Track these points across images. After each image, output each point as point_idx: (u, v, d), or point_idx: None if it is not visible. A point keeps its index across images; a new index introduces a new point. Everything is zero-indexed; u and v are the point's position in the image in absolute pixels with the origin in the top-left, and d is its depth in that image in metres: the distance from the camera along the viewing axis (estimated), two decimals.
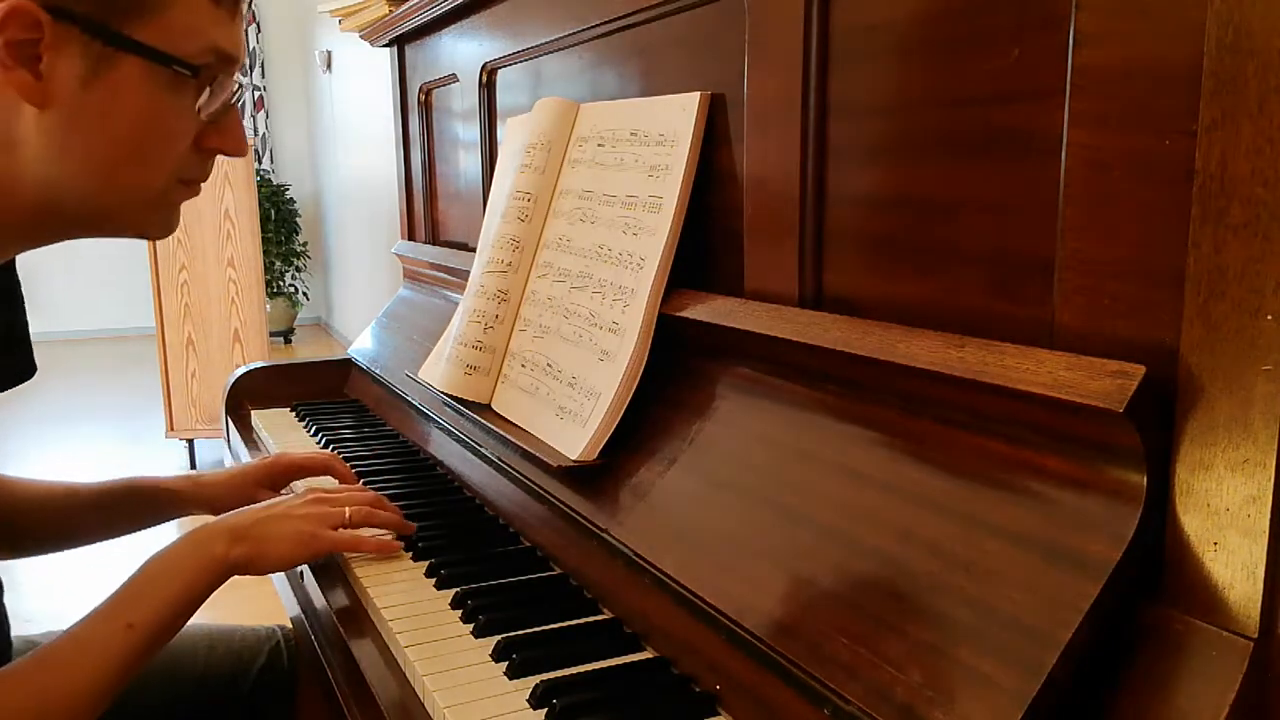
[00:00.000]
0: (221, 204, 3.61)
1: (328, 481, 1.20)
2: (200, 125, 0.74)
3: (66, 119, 0.69)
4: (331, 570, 1.01)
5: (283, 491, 1.19)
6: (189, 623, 0.85)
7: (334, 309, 7.29)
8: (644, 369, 0.93)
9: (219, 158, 0.80)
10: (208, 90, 0.73)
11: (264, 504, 0.96)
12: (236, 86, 0.77)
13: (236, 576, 0.90)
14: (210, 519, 0.92)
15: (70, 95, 0.68)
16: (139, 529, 1.14)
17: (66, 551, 1.12)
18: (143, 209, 0.75)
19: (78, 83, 0.68)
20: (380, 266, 5.43)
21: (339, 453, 1.38)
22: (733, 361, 0.87)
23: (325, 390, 1.77)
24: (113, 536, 1.12)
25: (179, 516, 1.16)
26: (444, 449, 1.33)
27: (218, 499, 1.14)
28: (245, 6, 0.77)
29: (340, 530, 0.97)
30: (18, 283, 0.90)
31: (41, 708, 0.74)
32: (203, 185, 0.79)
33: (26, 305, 0.94)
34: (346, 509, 0.98)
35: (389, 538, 1.02)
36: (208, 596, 0.87)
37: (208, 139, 0.76)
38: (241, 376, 1.74)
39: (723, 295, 0.88)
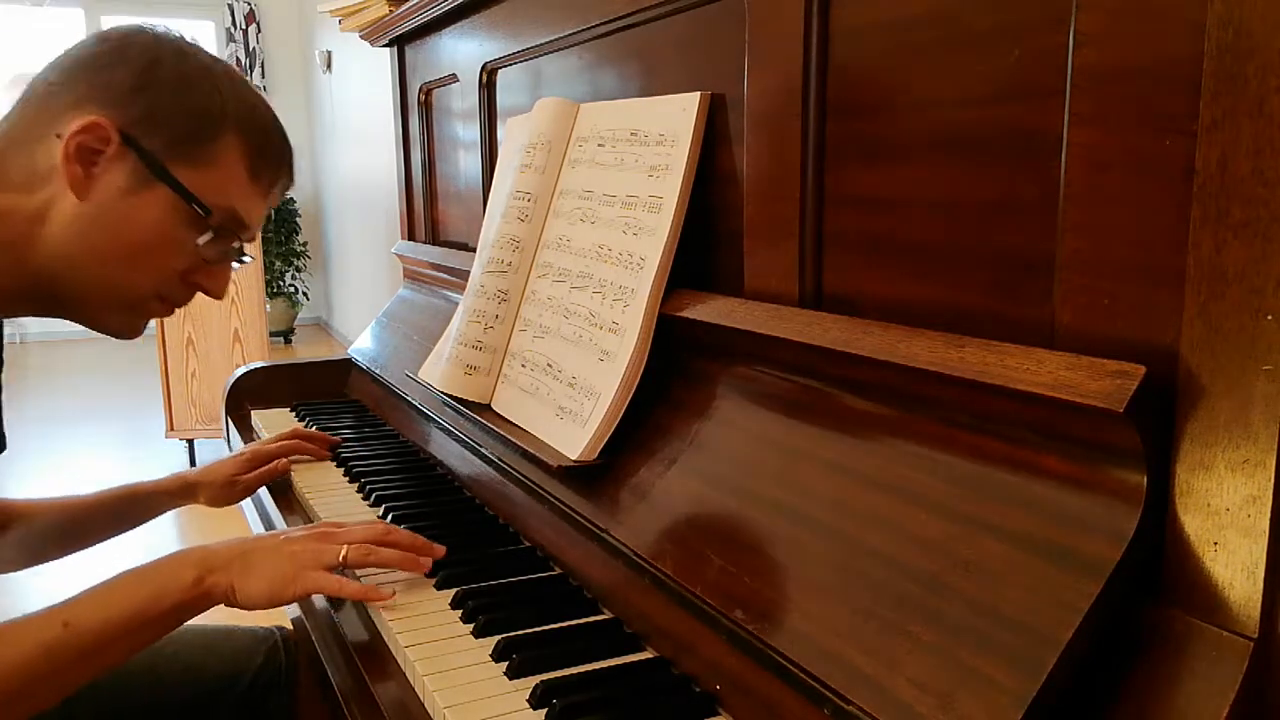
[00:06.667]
0: None
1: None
2: (196, 261, 0.88)
3: (94, 214, 0.82)
4: None
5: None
6: (186, 624, 0.84)
7: (334, 309, 7.29)
8: (644, 369, 0.93)
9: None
10: (210, 233, 0.87)
11: (261, 534, 0.95)
12: (237, 248, 0.91)
13: None
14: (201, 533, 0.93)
15: (106, 197, 0.82)
16: (120, 534, 1.22)
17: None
18: (119, 307, 0.88)
19: (116, 191, 0.83)
20: (380, 266, 5.43)
21: (339, 453, 1.38)
22: (733, 361, 0.87)
23: (325, 390, 1.77)
24: (91, 545, 1.20)
25: (166, 510, 1.25)
26: (444, 449, 1.33)
27: (198, 492, 1.26)
28: (279, 192, 0.94)
29: (327, 574, 0.89)
30: (2, 363, 0.96)
31: None
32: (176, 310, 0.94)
33: None
34: (343, 548, 0.90)
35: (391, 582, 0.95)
36: (178, 620, 0.83)
37: (196, 275, 0.90)
38: (241, 376, 1.74)
39: (723, 295, 0.88)
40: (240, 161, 0.88)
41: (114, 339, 0.92)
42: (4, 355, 0.97)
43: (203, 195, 0.86)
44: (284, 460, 1.32)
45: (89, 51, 0.84)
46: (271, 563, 0.87)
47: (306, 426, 1.55)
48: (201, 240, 0.87)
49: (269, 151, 0.91)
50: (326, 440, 1.41)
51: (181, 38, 0.89)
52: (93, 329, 0.90)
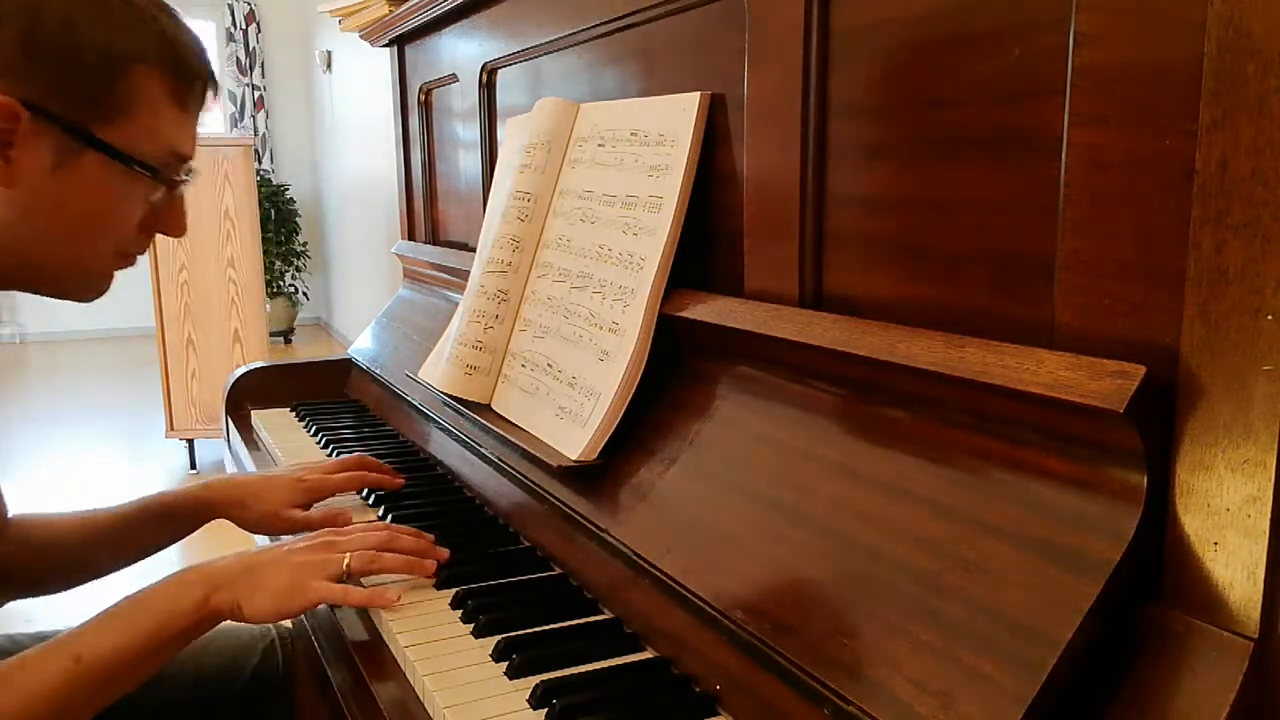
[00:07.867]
0: (221, 204, 3.61)
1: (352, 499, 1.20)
2: (148, 210, 0.82)
3: (29, 197, 0.75)
4: None
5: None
6: None
7: (334, 309, 7.29)
8: (644, 369, 0.93)
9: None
10: (160, 187, 0.81)
11: (262, 547, 0.93)
12: (186, 174, 0.84)
13: None
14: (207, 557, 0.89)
15: (35, 179, 0.75)
16: (163, 546, 1.11)
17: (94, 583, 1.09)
18: (81, 275, 0.83)
19: (44, 170, 0.75)
20: (380, 266, 5.44)
21: (338, 453, 1.38)
22: (733, 361, 0.87)
23: (325, 390, 1.77)
24: (137, 560, 1.10)
25: (204, 524, 1.13)
26: (444, 449, 1.33)
27: (242, 513, 1.12)
28: (207, 103, 0.85)
29: (332, 583, 0.88)
30: None
31: None
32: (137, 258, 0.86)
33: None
34: (347, 557, 0.89)
35: (395, 584, 0.94)
36: (187, 641, 0.83)
37: (151, 220, 0.83)
38: (241, 376, 1.74)
39: (723, 295, 0.88)
40: (163, 94, 0.79)
41: (81, 303, 0.86)
42: None
43: (138, 148, 0.77)
44: (348, 511, 1.13)
45: None
46: (276, 576, 0.86)
47: (306, 427, 1.55)
48: (153, 197, 0.81)
49: (187, 70, 0.81)
50: (393, 473, 1.23)
51: None
52: (56, 299, 0.85)
